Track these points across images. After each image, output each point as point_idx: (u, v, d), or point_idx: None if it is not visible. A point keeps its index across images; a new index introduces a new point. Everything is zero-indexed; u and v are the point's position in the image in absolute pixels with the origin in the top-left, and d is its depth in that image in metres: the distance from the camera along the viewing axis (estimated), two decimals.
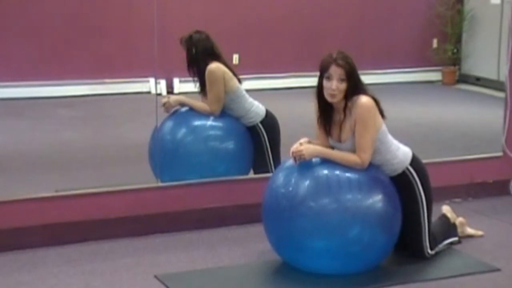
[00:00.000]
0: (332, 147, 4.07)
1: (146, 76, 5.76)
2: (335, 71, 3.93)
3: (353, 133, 3.96)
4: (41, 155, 5.42)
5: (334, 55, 3.96)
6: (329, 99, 3.97)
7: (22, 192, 4.50)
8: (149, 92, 5.81)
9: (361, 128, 3.93)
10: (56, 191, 4.61)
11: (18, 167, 5.21)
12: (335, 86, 3.92)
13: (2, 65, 5.66)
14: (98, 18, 5.90)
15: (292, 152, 3.98)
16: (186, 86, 5.74)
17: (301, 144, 3.99)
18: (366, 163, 3.95)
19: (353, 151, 3.97)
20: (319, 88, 4.01)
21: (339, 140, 4.04)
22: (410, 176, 4.12)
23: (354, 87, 3.94)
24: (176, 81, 5.96)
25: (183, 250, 4.40)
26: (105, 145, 5.62)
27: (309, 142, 4.03)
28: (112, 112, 6.02)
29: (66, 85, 5.82)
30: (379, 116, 3.99)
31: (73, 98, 5.87)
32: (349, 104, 3.96)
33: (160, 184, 4.77)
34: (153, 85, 5.73)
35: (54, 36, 5.80)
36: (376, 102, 3.99)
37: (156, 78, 5.49)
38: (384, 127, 4.03)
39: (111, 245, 4.43)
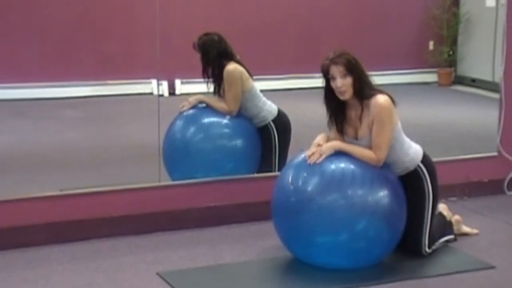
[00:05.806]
0: None
1: (148, 78, 5.75)
2: (335, 70, 3.99)
3: (370, 131, 4.00)
4: (45, 155, 5.43)
5: (331, 56, 4.02)
6: (341, 97, 4.02)
7: (27, 191, 4.52)
8: (151, 93, 5.80)
9: (379, 127, 3.97)
10: (60, 190, 4.65)
11: (22, 166, 5.22)
12: (340, 84, 3.98)
13: (6, 66, 5.67)
14: (101, 20, 5.91)
15: (309, 157, 3.97)
16: (188, 87, 5.80)
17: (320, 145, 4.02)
18: (382, 161, 4.00)
19: (369, 148, 4.01)
20: (326, 91, 4.07)
21: (356, 137, 4.07)
22: (421, 173, 4.16)
23: (360, 79, 3.98)
24: (178, 82, 5.98)
25: (185, 247, 4.43)
26: (107, 145, 5.64)
27: (327, 139, 4.06)
28: (115, 113, 6.02)
29: (69, 86, 5.82)
30: (396, 115, 4.04)
31: (76, 99, 5.87)
32: (365, 101, 4.00)
33: (162, 183, 4.80)
34: (155, 86, 5.72)
35: (58, 37, 5.80)
36: (392, 99, 4.04)
37: (158, 79, 5.50)
38: (399, 125, 4.08)
39: (114, 243, 4.47)
